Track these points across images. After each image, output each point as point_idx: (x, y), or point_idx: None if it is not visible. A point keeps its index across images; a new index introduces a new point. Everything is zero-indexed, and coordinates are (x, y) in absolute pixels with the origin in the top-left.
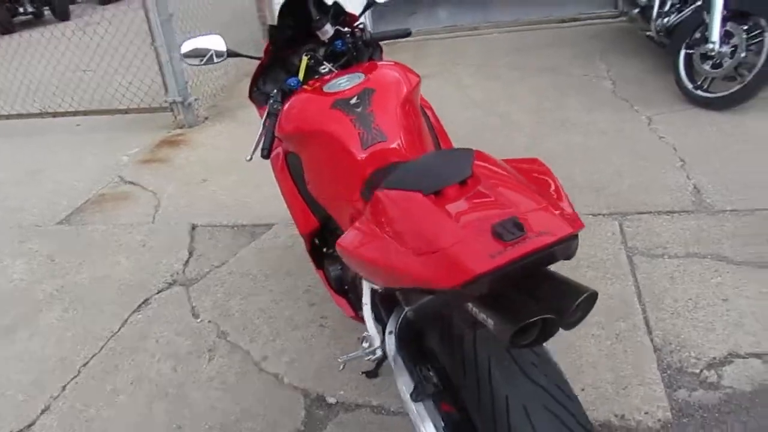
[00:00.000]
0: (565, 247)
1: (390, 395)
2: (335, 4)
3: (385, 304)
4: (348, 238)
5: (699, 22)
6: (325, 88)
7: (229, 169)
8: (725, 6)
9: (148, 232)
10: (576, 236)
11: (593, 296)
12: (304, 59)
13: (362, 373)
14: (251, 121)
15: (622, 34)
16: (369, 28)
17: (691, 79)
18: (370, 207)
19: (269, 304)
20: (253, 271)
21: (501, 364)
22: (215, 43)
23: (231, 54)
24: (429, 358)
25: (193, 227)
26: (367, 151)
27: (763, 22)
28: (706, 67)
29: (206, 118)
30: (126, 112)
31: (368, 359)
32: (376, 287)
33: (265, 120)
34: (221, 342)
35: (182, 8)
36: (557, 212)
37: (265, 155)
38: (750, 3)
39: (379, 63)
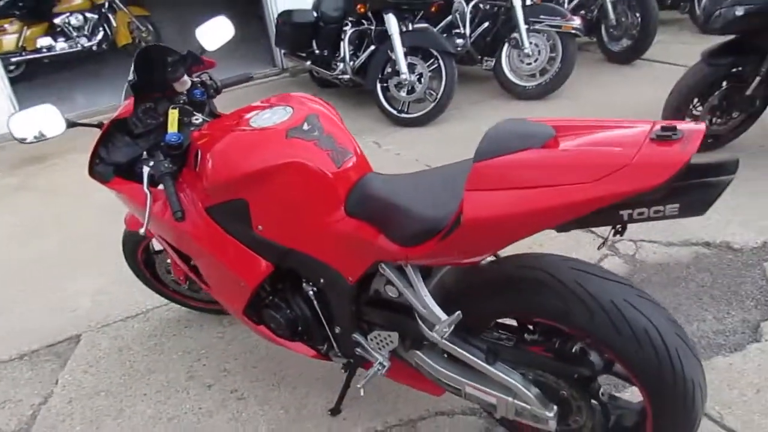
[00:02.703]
0: None
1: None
2: (189, 53)
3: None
4: (478, 210)
5: (386, 59)
6: (254, 124)
7: None
8: (403, 44)
9: None
10: None
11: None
12: (173, 112)
13: (328, 411)
14: None
15: (298, 85)
16: None
17: (393, 106)
18: (474, 177)
19: (155, 409)
20: (99, 391)
21: (590, 283)
22: (50, 114)
23: (70, 125)
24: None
25: None
26: (340, 169)
27: (434, 51)
28: (403, 93)
29: None
30: None
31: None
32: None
33: (163, 183)
34: None
35: None
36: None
37: (182, 216)
38: (419, 39)
39: (287, 95)
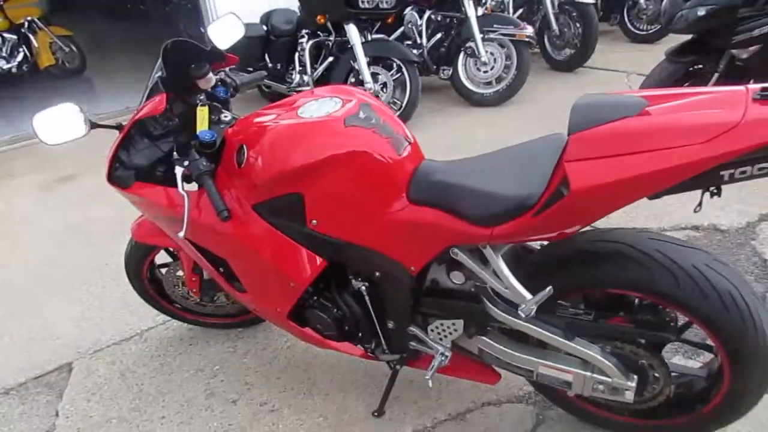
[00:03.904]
0: None
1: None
2: (214, 48)
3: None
4: (587, 179)
5: (349, 69)
6: (305, 115)
7: None
8: (365, 53)
9: None
10: None
11: None
12: (203, 109)
13: (372, 414)
14: None
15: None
16: None
17: None
18: (575, 148)
19: (180, 430)
20: (110, 418)
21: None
22: (72, 114)
23: (93, 126)
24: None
25: None
26: (402, 156)
27: (397, 61)
28: None
29: None
30: None
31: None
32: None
33: (203, 183)
34: None
35: None
36: None
37: (228, 215)
38: (382, 49)
39: (329, 87)
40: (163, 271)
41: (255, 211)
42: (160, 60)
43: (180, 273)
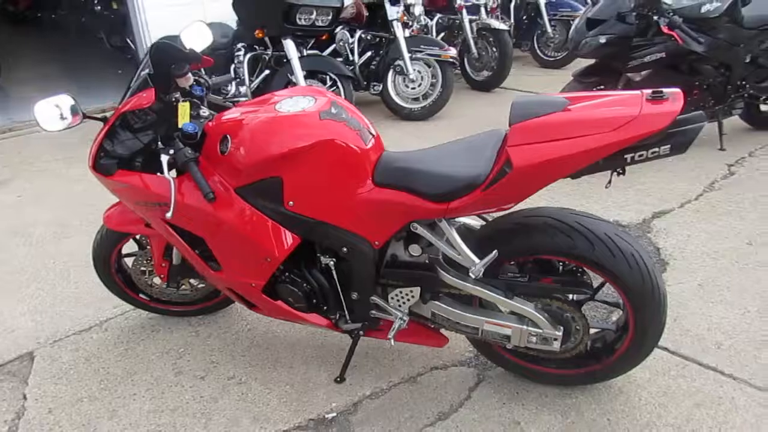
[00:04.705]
0: None
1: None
2: (192, 50)
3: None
4: (527, 159)
5: (286, 82)
6: (283, 109)
7: None
8: (302, 67)
9: None
10: None
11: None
12: (185, 105)
13: (335, 379)
14: None
15: None
16: None
17: None
18: (515, 136)
19: (153, 403)
20: (81, 398)
21: (587, 223)
22: (68, 104)
23: (86, 116)
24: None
25: None
26: (368, 147)
27: (333, 75)
28: None
29: None
30: None
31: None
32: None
33: (190, 169)
34: None
35: None
36: None
37: (214, 197)
38: (318, 64)
39: (300, 87)
40: (129, 260)
41: (237, 194)
42: (147, 58)
43: (145, 263)
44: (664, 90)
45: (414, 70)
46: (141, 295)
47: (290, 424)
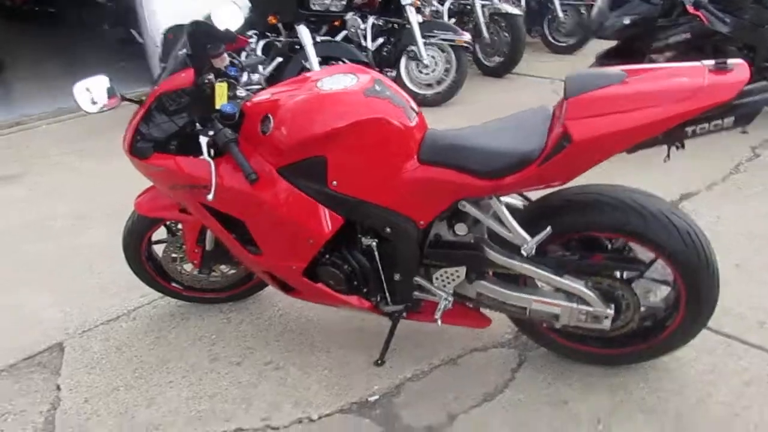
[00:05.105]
0: None
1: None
2: (228, 31)
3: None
4: (586, 132)
5: (301, 68)
6: (326, 87)
7: None
8: (317, 53)
9: None
10: None
11: None
12: (222, 85)
13: (374, 363)
14: None
15: None
16: None
17: None
18: (573, 109)
19: (191, 390)
20: (117, 387)
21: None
22: (105, 86)
23: (123, 98)
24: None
25: None
26: (413, 123)
27: (347, 62)
28: None
29: None
30: None
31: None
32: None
33: (231, 150)
34: None
35: None
36: None
37: (256, 178)
38: (333, 50)
39: (341, 65)
40: (160, 248)
41: (279, 174)
42: (185, 38)
43: (176, 250)
44: (728, 60)
45: (428, 55)
46: (173, 284)
47: (333, 407)
